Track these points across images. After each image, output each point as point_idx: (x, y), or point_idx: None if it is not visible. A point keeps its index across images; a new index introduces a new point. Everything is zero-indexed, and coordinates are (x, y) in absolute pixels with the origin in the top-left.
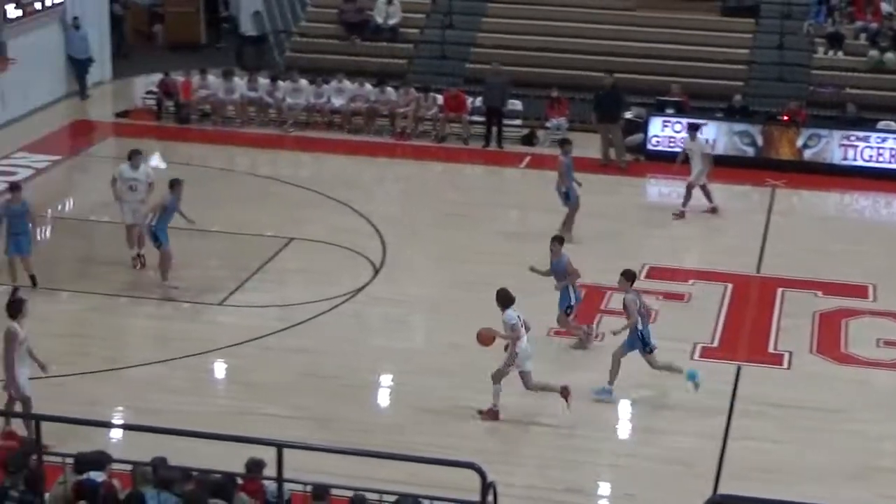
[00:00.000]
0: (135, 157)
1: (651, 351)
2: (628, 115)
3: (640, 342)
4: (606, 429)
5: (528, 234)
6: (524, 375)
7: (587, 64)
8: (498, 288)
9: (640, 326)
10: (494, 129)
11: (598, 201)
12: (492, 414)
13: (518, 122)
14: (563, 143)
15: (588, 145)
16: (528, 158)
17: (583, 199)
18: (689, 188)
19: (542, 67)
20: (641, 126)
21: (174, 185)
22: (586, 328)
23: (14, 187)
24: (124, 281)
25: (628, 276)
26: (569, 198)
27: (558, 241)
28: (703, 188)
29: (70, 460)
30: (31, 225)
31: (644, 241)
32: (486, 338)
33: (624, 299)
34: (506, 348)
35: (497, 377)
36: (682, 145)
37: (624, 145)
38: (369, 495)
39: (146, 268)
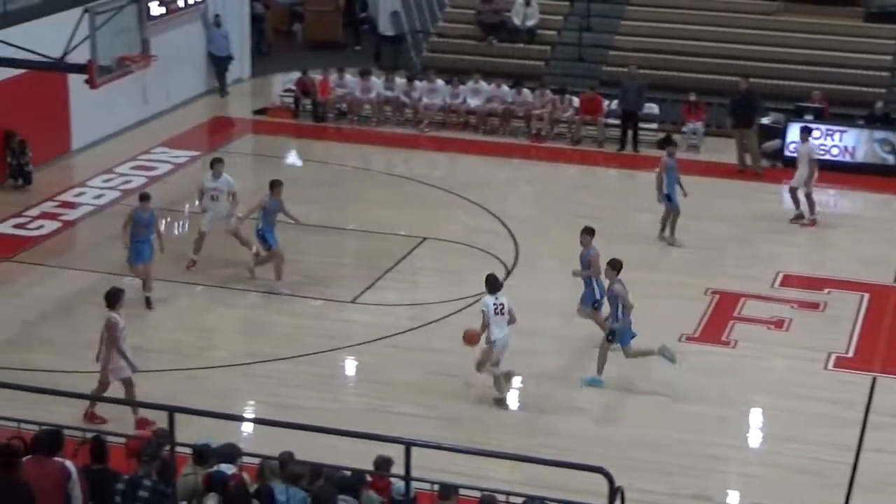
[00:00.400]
0: (216, 165)
1: (611, 341)
2: (766, 120)
3: (611, 333)
4: (736, 436)
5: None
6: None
7: (725, 68)
8: (487, 273)
9: (620, 315)
10: (630, 132)
11: (732, 206)
12: (500, 403)
13: (654, 125)
14: (667, 144)
15: (724, 150)
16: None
17: (719, 204)
18: (793, 192)
19: (679, 71)
20: (779, 132)
21: (273, 186)
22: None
23: (144, 197)
24: (258, 277)
25: (589, 232)
26: (670, 200)
27: (589, 233)
28: (808, 196)
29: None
30: (154, 235)
31: (779, 249)
32: (470, 336)
33: (614, 288)
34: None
35: (479, 367)
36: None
37: (759, 151)
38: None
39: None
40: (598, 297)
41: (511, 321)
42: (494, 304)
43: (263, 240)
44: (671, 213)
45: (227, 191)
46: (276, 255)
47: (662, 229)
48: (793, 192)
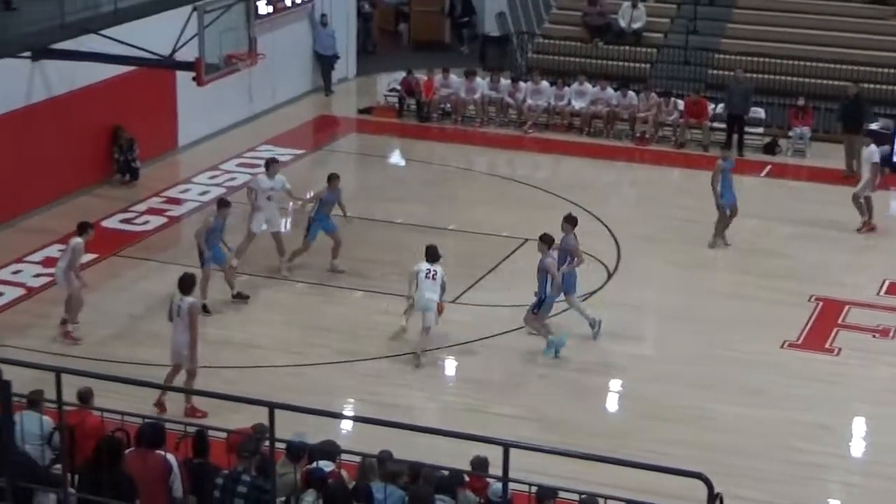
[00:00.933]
0: (272, 166)
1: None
2: (875, 126)
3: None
4: (837, 444)
5: (766, 244)
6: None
7: (834, 73)
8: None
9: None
10: (735, 136)
11: (838, 213)
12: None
13: (760, 129)
14: (724, 148)
15: (831, 155)
16: (769, 167)
17: (826, 210)
18: (856, 199)
19: (786, 75)
20: (888, 138)
21: (331, 179)
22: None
23: (222, 203)
24: (360, 275)
25: (570, 221)
26: (724, 198)
27: (570, 221)
28: (867, 200)
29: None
30: (221, 243)
31: (886, 256)
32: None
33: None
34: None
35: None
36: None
37: None
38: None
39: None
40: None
41: (443, 289)
42: (427, 270)
43: (308, 229)
44: (724, 216)
45: (283, 190)
46: (305, 247)
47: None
48: (856, 199)
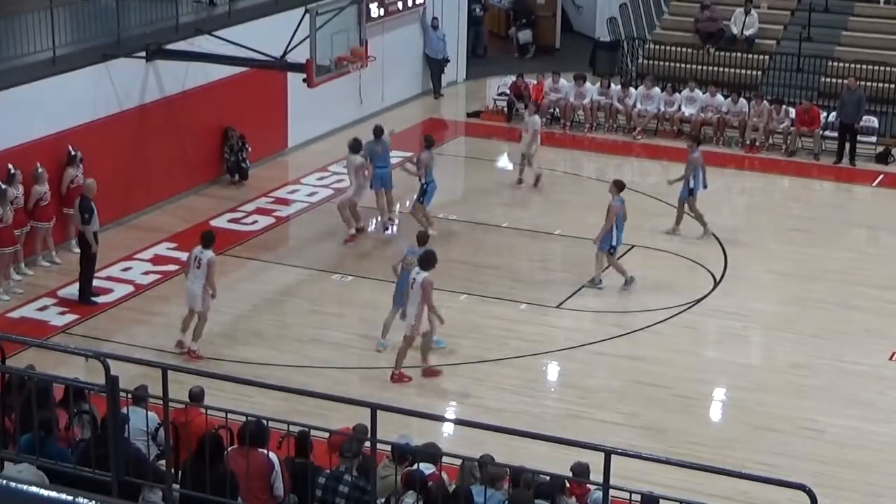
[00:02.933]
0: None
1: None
2: None
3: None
4: None
5: (877, 255)
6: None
7: None
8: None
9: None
10: (847, 145)
11: None
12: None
13: (873, 139)
14: (694, 141)
15: None
16: (881, 177)
17: None
18: None
19: None
20: None
21: (428, 141)
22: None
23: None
24: (466, 279)
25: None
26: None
27: (616, 185)
28: None
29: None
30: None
31: None
32: None
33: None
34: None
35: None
36: None
37: None
38: None
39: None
40: (614, 242)
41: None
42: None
43: (424, 192)
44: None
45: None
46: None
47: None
48: None
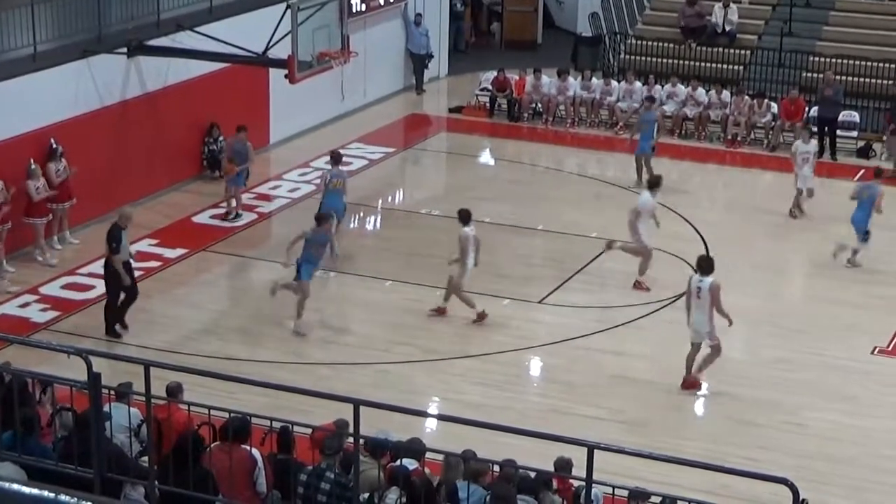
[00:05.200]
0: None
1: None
2: None
3: None
4: None
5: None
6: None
7: None
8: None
9: None
10: (827, 140)
11: None
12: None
13: (854, 133)
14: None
15: None
16: (862, 171)
17: None
18: None
19: (883, 79)
20: None
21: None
22: None
23: (321, 219)
24: (446, 274)
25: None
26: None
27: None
28: None
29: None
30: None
31: None
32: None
33: None
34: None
35: (453, 290)
36: None
37: None
38: None
39: None
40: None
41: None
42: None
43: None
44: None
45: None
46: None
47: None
48: None
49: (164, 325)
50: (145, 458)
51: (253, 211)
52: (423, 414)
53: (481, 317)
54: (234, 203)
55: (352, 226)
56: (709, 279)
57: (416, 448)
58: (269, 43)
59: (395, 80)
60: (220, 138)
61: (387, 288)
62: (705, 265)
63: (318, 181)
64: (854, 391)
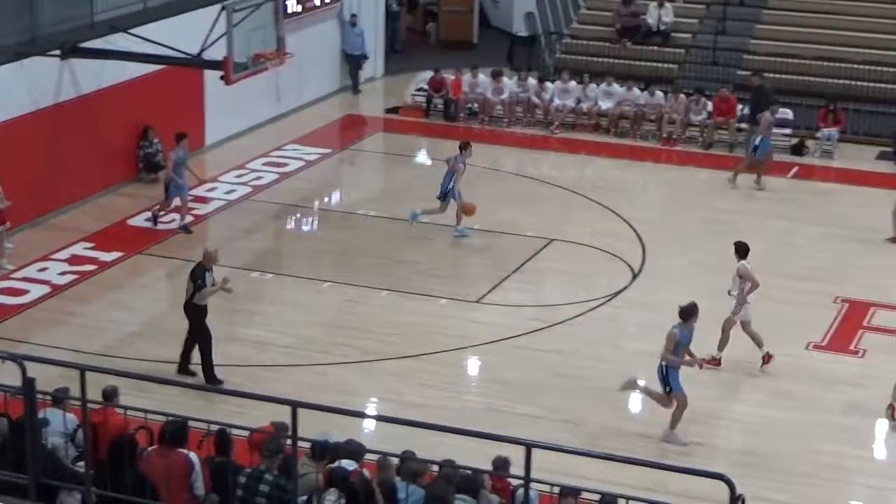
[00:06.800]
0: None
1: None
2: None
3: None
4: (863, 447)
5: (792, 245)
6: (744, 324)
7: (863, 74)
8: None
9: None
10: None
11: (865, 214)
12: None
13: (788, 130)
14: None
15: (859, 156)
16: (796, 168)
17: (853, 212)
18: None
19: (815, 76)
20: None
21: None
22: None
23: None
24: (385, 274)
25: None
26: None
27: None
28: None
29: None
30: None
31: None
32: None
33: None
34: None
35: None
36: None
37: None
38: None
39: None
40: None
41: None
42: None
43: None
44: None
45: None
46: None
47: None
48: None
49: (100, 329)
50: (82, 464)
51: (189, 213)
52: (362, 415)
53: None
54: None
55: (289, 227)
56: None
57: (354, 449)
58: (204, 44)
59: (331, 81)
60: (156, 140)
61: (324, 289)
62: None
63: (255, 182)
64: (789, 386)
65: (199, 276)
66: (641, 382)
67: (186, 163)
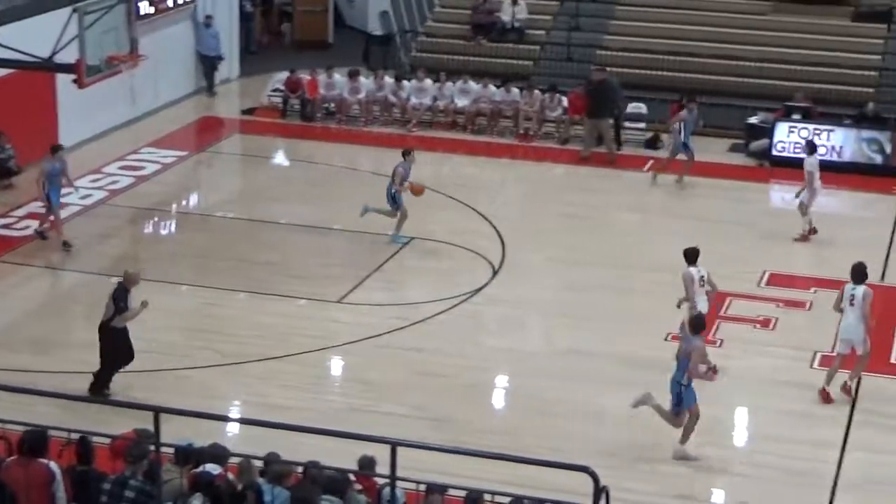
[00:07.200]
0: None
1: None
2: (754, 119)
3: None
4: (721, 435)
5: (648, 238)
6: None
7: (715, 68)
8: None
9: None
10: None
11: (720, 205)
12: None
13: (642, 125)
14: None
15: (711, 149)
16: (651, 162)
17: (707, 203)
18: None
19: (669, 71)
20: (767, 131)
21: (406, 153)
22: None
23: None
24: (245, 277)
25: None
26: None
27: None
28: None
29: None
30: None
31: (766, 248)
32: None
33: None
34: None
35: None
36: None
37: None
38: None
39: None
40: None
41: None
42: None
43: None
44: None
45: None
46: (403, 214)
47: None
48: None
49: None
50: None
51: (47, 221)
52: (225, 419)
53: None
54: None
55: (146, 231)
56: (861, 287)
57: (218, 453)
58: (55, 47)
59: (187, 82)
60: (8, 146)
61: (183, 293)
62: (858, 273)
63: (111, 186)
64: (649, 377)
65: (121, 299)
66: (654, 399)
67: (66, 173)
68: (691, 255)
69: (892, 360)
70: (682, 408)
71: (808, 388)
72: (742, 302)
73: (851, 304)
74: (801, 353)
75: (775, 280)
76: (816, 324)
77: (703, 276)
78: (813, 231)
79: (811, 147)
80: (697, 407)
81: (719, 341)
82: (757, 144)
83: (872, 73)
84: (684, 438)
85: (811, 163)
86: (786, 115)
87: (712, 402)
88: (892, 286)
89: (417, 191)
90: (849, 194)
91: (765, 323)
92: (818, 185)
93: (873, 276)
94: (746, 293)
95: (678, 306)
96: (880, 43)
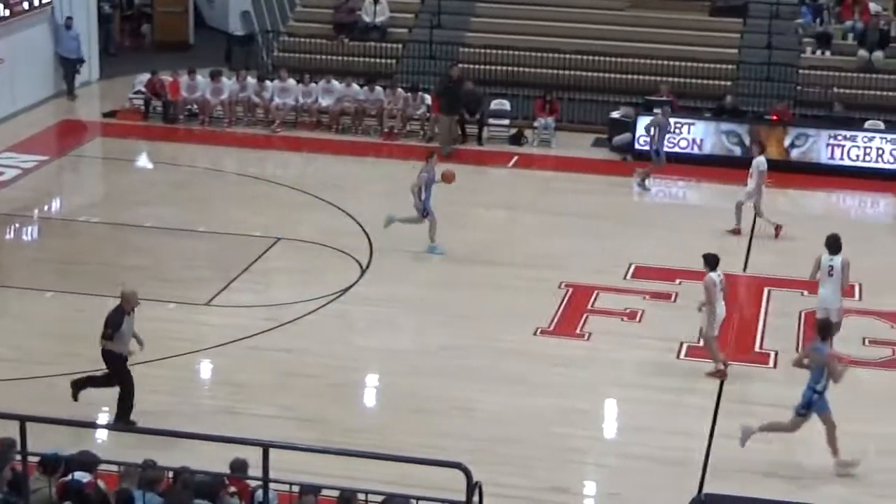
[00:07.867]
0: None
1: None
2: (616, 114)
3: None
4: (592, 428)
5: (514, 234)
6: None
7: (577, 64)
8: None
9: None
10: (476, 128)
11: (583, 201)
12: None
13: (506, 121)
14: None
15: (575, 144)
16: (515, 158)
17: (571, 198)
18: (739, 206)
19: (531, 67)
20: (629, 126)
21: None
22: None
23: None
24: (110, 282)
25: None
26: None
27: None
28: (757, 207)
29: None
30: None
31: (630, 241)
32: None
33: None
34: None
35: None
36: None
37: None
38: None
39: None
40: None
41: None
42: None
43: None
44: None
45: None
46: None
47: None
48: (739, 205)
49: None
50: None
51: None
52: (94, 426)
53: (721, 374)
54: None
55: (7, 237)
56: (839, 257)
57: (87, 460)
58: None
59: (46, 86)
60: None
61: (47, 299)
62: (834, 244)
63: None
64: (520, 372)
65: (111, 323)
66: (752, 426)
67: None
68: (712, 261)
69: (757, 349)
70: (808, 412)
71: (676, 378)
72: (609, 295)
73: (830, 275)
74: (668, 343)
75: (641, 273)
76: (682, 315)
77: (722, 281)
78: (778, 228)
79: (761, 147)
80: (830, 414)
81: (587, 335)
82: (620, 139)
83: (730, 66)
84: (835, 452)
85: (761, 161)
86: (647, 109)
87: (582, 395)
88: (755, 276)
89: (449, 177)
90: (709, 186)
91: (631, 315)
92: (753, 185)
93: (735, 267)
94: (613, 286)
95: (699, 310)
96: (736, 37)
